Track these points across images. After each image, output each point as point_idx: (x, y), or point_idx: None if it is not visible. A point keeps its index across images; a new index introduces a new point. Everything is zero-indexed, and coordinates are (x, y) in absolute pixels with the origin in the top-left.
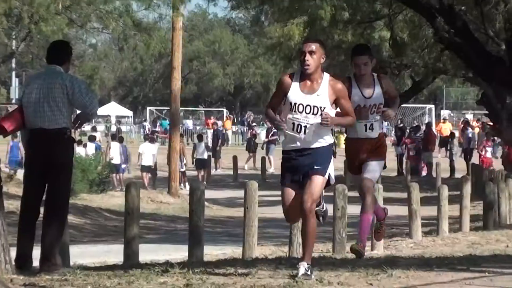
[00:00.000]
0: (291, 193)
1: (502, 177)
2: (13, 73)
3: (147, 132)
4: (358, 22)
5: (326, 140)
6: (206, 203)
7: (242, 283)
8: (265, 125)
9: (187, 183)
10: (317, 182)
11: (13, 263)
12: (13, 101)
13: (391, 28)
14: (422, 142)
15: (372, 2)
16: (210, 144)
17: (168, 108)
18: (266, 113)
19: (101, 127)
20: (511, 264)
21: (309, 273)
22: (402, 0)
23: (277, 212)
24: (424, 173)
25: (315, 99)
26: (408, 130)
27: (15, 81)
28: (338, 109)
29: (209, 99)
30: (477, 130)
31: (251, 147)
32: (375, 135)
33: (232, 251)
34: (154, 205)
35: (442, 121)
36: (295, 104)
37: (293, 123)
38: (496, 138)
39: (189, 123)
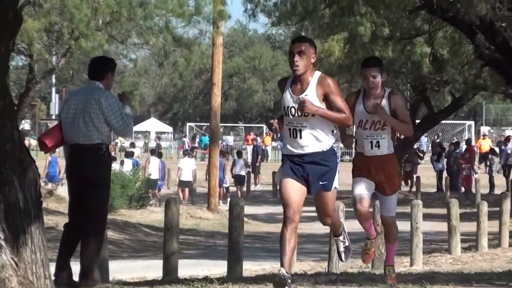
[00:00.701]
0: (292, 184)
1: None
2: (53, 89)
3: (187, 147)
4: (399, 39)
5: (326, 143)
6: (245, 219)
7: None
8: None
9: (228, 199)
10: (329, 200)
11: (53, 278)
12: (53, 116)
13: (431, 45)
14: (462, 158)
15: (413, 18)
16: (249, 160)
17: (208, 124)
18: (272, 126)
19: (140, 143)
20: None
21: (346, 242)
22: (443, 17)
23: (316, 228)
24: (463, 189)
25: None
26: (448, 147)
27: (55, 97)
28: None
29: (248, 115)
30: None
31: None
32: (383, 152)
33: (271, 266)
34: (193, 220)
35: (482, 137)
36: (287, 107)
37: (289, 129)
38: None
39: (229, 139)
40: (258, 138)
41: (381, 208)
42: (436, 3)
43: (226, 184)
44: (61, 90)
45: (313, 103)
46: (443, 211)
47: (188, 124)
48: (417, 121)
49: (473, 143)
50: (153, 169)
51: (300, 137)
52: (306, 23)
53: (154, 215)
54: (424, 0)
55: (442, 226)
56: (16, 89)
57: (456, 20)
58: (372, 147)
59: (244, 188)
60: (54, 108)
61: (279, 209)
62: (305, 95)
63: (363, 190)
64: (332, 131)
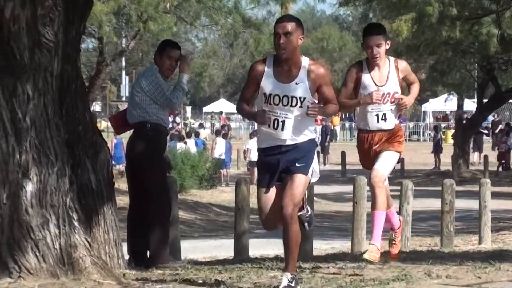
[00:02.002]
0: (269, 197)
1: None
2: (123, 71)
3: (255, 129)
4: (466, 19)
5: (307, 134)
6: (315, 198)
7: (351, 277)
8: None
9: None
10: (299, 182)
11: (126, 258)
12: (123, 98)
13: (498, 25)
14: None
15: None
16: (319, 140)
17: None
18: (241, 109)
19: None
20: None
21: (292, 284)
22: None
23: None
24: None
25: (293, 89)
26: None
27: (125, 79)
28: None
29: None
30: None
31: None
32: (390, 126)
33: (341, 245)
34: None
35: None
36: (270, 95)
37: (269, 118)
38: None
39: None
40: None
41: (376, 162)
42: None
43: None
44: (131, 72)
45: (319, 106)
46: (511, 189)
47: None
48: (485, 100)
49: None
50: (221, 149)
51: (282, 129)
52: (374, 4)
53: (224, 195)
54: None
55: (510, 204)
56: (87, 71)
57: None
58: (378, 120)
59: None
60: (124, 90)
61: (347, 188)
62: (296, 84)
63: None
64: (314, 128)
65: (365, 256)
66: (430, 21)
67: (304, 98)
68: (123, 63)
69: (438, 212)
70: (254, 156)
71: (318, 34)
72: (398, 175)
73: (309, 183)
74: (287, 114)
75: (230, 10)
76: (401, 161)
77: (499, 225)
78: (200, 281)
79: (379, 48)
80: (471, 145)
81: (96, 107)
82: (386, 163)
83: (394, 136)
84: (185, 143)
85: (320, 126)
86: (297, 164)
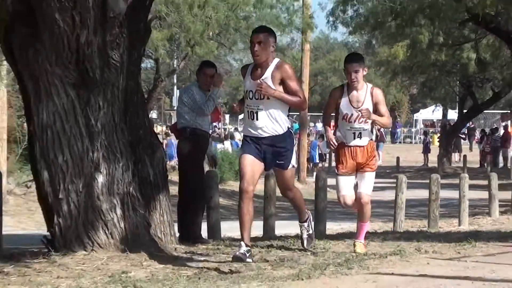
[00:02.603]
0: (250, 160)
1: None
2: (175, 86)
3: None
4: (450, 45)
5: (282, 126)
6: (328, 188)
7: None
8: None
9: (315, 173)
10: (287, 176)
11: (176, 236)
12: (174, 108)
13: (476, 50)
14: (500, 141)
15: (462, 29)
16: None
17: (298, 113)
18: (232, 108)
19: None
20: None
21: (310, 232)
22: (486, 28)
23: (385, 195)
24: (501, 165)
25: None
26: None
27: (176, 92)
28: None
29: None
30: None
31: None
32: (364, 143)
33: (349, 226)
34: None
35: None
36: (247, 91)
37: (248, 111)
38: None
39: (318, 125)
40: None
41: (359, 186)
42: (481, 16)
43: (317, 161)
44: (181, 86)
45: (270, 86)
46: (485, 182)
47: None
48: (465, 110)
49: (509, 129)
50: None
51: (257, 119)
52: (376, 33)
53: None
54: (471, 14)
55: (484, 194)
56: (146, 86)
57: (497, 30)
58: (354, 138)
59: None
60: (175, 101)
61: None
62: (263, 79)
63: (345, 190)
64: (288, 115)
65: (358, 250)
66: (421, 47)
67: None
68: (175, 80)
69: (426, 200)
70: None
71: (331, 57)
72: (394, 171)
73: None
74: (259, 106)
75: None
76: (397, 159)
77: (475, 211)
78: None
79: (357, 74)
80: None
81: (153, 114)
82: (369, 184)
83: (369, 156)
84: (223, 143)
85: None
86: (277, 162)
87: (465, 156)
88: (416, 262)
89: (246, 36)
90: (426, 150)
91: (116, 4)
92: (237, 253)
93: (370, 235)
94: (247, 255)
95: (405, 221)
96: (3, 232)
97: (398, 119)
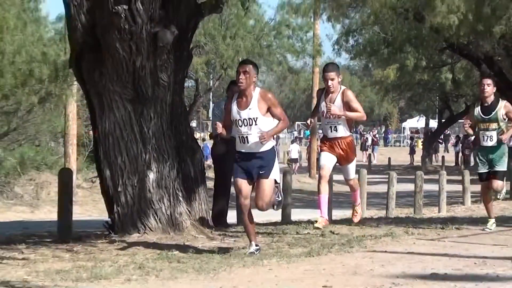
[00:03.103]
0: (243, 183)
1: None
2: (210, 101)
3: (295, 137)
4: (431, 68)
5: (267, 146)
6: (333, 183)
7: (356, 234)
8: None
9: None
10: (266, 187)
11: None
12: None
13: (452, 72)
14: (472, 144)
15: (440, 55)
16: None
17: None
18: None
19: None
20: None
21: (256, 251)
22: (460, 54)
23: (379, 188)
24: (472, 163)
25: (248, 113)
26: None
27: (211, 106)
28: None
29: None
30: None
31: (364, 147)
32: (341, 134)
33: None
34: (300, 184)
35: None
36: (236, 120)
37: (239, 136)
38: None
39: None
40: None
41: (344, 174)
42: (456, 45)
43: None
44: (215, 102)
45: (267, 132)
46: (459, 177)
47: (297, 123)
48: (443, 120)
49: None
50: (294, 151)
51: (248, 142)
52: (372, 58)
53: None
54: (448, 43)
55: (459, 187)
56: (187, 101)
57: (469, 55)
58: (331, 131)
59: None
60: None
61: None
62: (249, 109)
63: (325, 161)
64: (269, 137)
65: (357, 210)
66: (408, 70)
67: (257, 118)
68: (211, 96)
69: (412, 192)
70: (293, 155)
71: None
72: (386, 169)
73: (275, 181)
74: (248, 132)
75: (280, 61)
76: (389, 159)
77: (451, 200)
78: (260, 234)
79: (333, 81)
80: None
81: (193, 123)
82: (352, 170)
83: (350, 149)
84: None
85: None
86: (261, 172)
87: (443, 157)
88: (405, 242)
89: (268, 61)
90: (412, 152)
91: (165, 36)
92: (251, 250)
93: (367, 220)
94: (257, 252)
95: (395, 209)
96: (73, 218)
97: (390, 127)
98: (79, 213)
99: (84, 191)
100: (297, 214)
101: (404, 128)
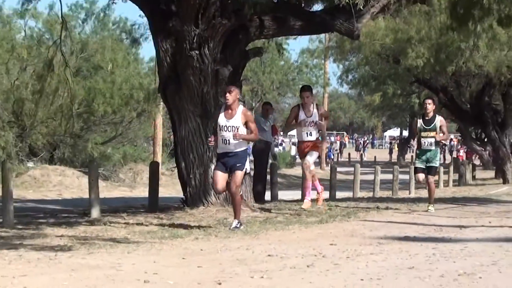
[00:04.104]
0: (220, 174)
1: (465, 164)
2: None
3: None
4: (405, 95)
5: (241, 147)
6: (337, 174)
7: (353, 208)
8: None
9: (329, 164)
10: (238, 175)
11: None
12: None
13: (419, 97)
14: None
15: (411, 85)
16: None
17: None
18: (213, 132)
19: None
20: (471, 200)
21: (238, 226)
22: (425, 86)
23: (368, 177)
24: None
25: (232, 122)
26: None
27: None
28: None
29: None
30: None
31: (358, 149)
32: (313, 139)
33: (349, 194)
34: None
35: None
36: (222, 126)
37: (222, 139)
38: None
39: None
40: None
41: (307, 156)
42: (421, 79)
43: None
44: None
45: (240, 134)
46: None
47: None
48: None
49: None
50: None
51: (229, 144)
52: (364, 88)
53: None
54: (416, 78)
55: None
56: None
57: (430, 86)
58: (307, 136)
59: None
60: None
61: (350, 169)
62: (234, 119)
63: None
64: (240, 138)
65: (303, 206)
66: (388, 95)
67: (238, 127)
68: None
69: (391, 180)
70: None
71: (339, 101)
72: (373, 163)
73: (244, 173)
74: (230, 136)
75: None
76: (375, 157)
77: (417, 186)
78: (287, 210)
79: (308, 98)
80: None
81: None
82: (311, 157)
83: (315, 146)
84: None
85: (339, 141)
86: (236, 165)
87: (412, 155)
88: (386, 215)
89: (292, 89)
90: (391, 152)
91: (223, 72)
92: (234, 225)
93: (360, 199)
94: (239, 226)
95: (379, 191)
96: (159, 196)
97: (375, 135)
98: (162, 192)
99: (166, 177)
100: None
101: (385, 136)
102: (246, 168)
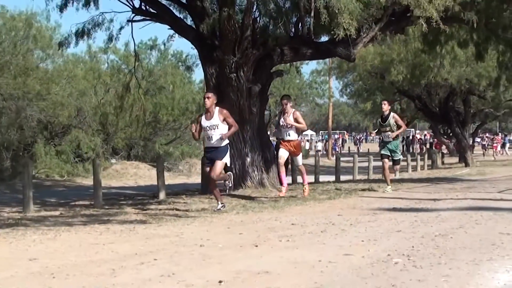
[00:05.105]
0: (208, 169)
1: (436, 152)
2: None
3: (320, 139)
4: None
5: (223, 143)
6: (341, 164)
7: (353, 187)
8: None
9: (335, 155)
10: (218, 165)
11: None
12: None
13: (400, 104)
14: (411, 141)
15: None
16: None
17: (326, 131)
18: (193, 133)
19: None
20: (442, 179)
21: (221, 208)
22: (404, 95)
23: (364, 164)
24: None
25: (212, 122)
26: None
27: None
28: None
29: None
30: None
31: (356, 143)
32: (292, 138)
33: (351, 177)
34: (322, 162)
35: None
36: (205, 127)
37: (206, 137)
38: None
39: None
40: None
41: (294, 162)
42: (402, 90)
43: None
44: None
45: (225, 134)
46: (405, 158)
47: (320, 131)
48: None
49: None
50: (319, 146)
51: (212, 140)
52: (358, 98)
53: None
54: (398, 89)
55: (405, 163)
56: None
57: (409, 96)
58: (286, 136)
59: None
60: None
61: (349, 159)
62: (213, 119)
63: (282, 153)
64: (226, 137)
65: (306, 188)
66: (377, 103)
67: (218, 125)
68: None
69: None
70: (319, 147)
71: (340, 109)
72: (366, 154)
73: (225, 164)
74: (212, 133)
75: (312, 100)
76: (368, 150)
77: (401, 170)
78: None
79: (286, 105)
80: None
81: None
82: (300, 160)
83: (297, 147)
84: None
85: (341, 138)
86: (218, 156)
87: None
88: (377, 192)
89: (305, 101)
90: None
91: (255, 89)
92: (218, 207)
93: (361, 181)
94: (222, 208)
95: (372, 175)
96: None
97: (368, 133)
98: None
99: None
100: (323, 177)
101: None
102: (226, 160)
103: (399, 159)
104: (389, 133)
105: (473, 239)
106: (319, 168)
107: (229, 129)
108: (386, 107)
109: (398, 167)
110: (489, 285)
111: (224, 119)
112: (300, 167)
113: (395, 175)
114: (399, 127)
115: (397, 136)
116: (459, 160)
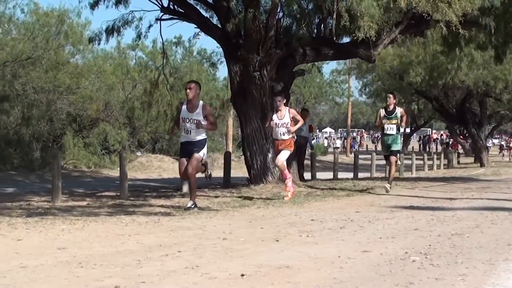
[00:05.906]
0: (183, 161)
1: (452, 152)
2: None
3: (339, 136)
4: (407, 102)
5: (201, 137)
6: (338, 161)
7: (371, 185)
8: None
9: (353, 152)
10: (195, 159)
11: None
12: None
13: (418, 104)
14: (428, 140)
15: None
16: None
17: (345, 128)
18: (172, 126)
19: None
20: (457, 179)
21: (192, 206)
22: (422, 95)
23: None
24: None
25: (194, 115)
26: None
27: None
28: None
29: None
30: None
31: (374, 141)
32: (286, 137)
33: (368, 175)
34: (341, 159)
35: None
36: (185, 118)
37: (185, 130)
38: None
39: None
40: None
41: (280, 154)
42: (420, 90)
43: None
44: None
45: (203, 125)
46: (421, 157)
47: (339, 129)
48: (413, 128)
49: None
50: (337, 143)
51: (190, 134)
52: (377, 98)
53: (329, 157)
54: (415, 90)
55: (421, 162)
56: None
57: (426, 96)
58: (281, 135)
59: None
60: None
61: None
62: (195, 113)
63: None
64: (205, 131)
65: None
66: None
67: (199, 120)
68: None
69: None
70: (337, 144)
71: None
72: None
73: (202, 159)
74: (191, 127)
75: (331, 99)
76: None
77: (417, 168)
78: (322, 187)
79: (279, 102)
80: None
81: None
82: (283, 155)
83: (288, 144)
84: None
85: (359, 136)
86: (194, 150)
87: (413, 146)
88: (394, 190)
89: (326, 99)
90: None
91: (277, 87)
92: (188, 205)
93: (378, 179)
94: (192, 206)
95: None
96: (231, 176)
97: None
98: (233, 174)
99: (235, 162)
100: (341, 174)
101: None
102: (203, 154)
103: (398, 150)
104: (393, 126)
105: (489, 239)
106: (338, 165)
107: (207, 127)
108: (391, 100)
109: (395, 159)
110: (505, 285)
111: (205, 116)
112: (279, 163)
113: (394, 171)
114: (401, 120)
115: (398, 129)
116: (474, 160)
